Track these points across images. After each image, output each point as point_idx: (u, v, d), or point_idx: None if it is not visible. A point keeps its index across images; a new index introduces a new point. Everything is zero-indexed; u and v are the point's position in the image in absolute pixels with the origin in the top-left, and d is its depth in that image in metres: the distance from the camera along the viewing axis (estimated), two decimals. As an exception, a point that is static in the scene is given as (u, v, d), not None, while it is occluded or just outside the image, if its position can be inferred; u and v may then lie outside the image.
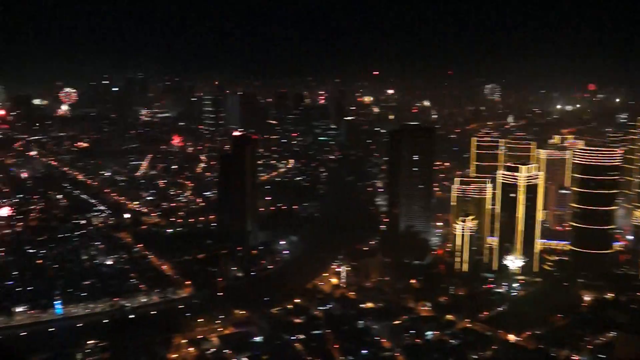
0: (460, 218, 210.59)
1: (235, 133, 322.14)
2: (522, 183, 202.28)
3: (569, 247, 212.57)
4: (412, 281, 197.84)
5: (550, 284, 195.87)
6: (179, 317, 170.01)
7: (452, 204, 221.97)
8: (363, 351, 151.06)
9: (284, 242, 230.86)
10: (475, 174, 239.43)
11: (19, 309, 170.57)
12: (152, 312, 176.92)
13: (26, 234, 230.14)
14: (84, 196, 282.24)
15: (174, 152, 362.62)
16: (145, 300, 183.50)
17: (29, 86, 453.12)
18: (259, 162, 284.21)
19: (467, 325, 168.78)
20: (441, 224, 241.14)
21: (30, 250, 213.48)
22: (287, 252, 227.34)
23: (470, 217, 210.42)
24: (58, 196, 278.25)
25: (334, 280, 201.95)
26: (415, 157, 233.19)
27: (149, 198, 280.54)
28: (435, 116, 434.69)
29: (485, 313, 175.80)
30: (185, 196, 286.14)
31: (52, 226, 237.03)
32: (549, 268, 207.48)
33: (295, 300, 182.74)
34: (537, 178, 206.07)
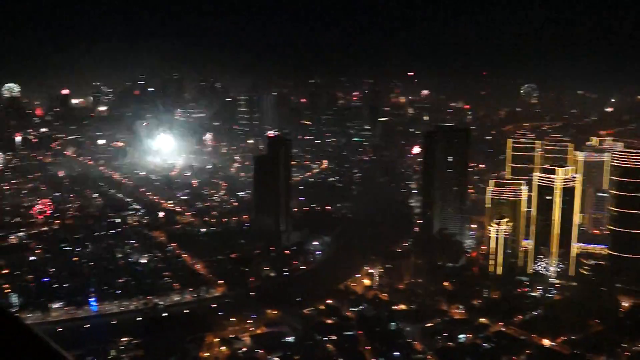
0: (495, 220, 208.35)
1: (270, 133, 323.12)
2: (558, 185, 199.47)
3: (607, 251, 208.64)
4: (445, 283, 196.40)
5: (587, 288, 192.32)
6: (211, 316, 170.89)
7: (486, 206, 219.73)
8: (395, 353, 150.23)
9: (317, 243, 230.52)
10: (511, 176, 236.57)
11: (55, 306, 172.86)
12: (185, 311, 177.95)
13: (63, 232, 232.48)
14: (119, 195, 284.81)
15: (208, 152, 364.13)
16: (178, 298, 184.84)
17: (67, 86, 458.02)
18: (292, 162, 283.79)
19: (501, 329, 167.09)
20: (475, 226, 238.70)
21: (67, 248, 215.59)
22: (320, 252, 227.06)
23: (505, 220, 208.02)
24: (94, 195, 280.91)
25: (367, 282, 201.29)
26: (450, 159, 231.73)
27: (183, 197, 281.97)
28: (470, 117, 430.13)
29: (519, 317, 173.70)
30: (219, 196, 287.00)
31: (87, 224, 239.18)
32: (585, 272, 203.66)
33: (328, 301, 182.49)
34: (574, 180, 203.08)
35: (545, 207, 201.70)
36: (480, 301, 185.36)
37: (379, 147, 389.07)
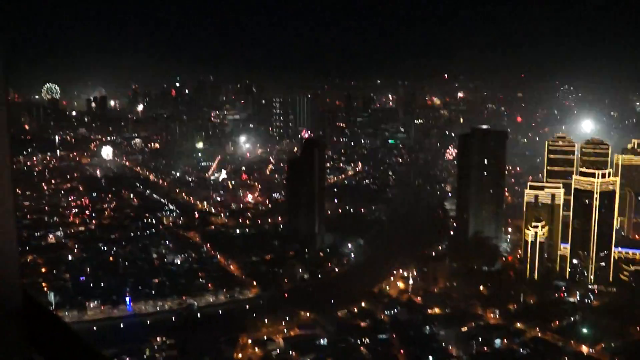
0: (532, 224, 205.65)
1: (304, 135, 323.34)
2: (597, 189, 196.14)
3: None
4: (481, 287, 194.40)
5: (627, 294, 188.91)
6: (245, 317, 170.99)
7: (523, 209, 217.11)
8: (429, 358, 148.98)
9: (351, 245, 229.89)
10: (548, 179, 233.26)
11: (91, 305, 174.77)
12: (218, 312, 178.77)
13: (99, 232, 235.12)
14: (155, 196, 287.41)
15: (243, 154, 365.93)
16: (212, 299, 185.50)
17: (105, 88, 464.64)
18: (327, 164, 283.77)
19: (537, 334, 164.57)
20: (511, 229, 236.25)
21: (103, 248, 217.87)
22: (354, 255, 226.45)
23: (542, 223, 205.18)
24: (130, 195, 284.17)
25: (401, 285, 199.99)
26: (486, 161, 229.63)
27: (218, 198, 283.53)
28: (507, 119, 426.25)
29: (556, 323, 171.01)
30: (254, 197, 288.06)
31: (124, 224, 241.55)
32: (625, 278, 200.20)
33: (361, 304, 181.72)
34: (613, 184, 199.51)
35: (583, 211, 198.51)
36: (516, 306, 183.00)
37: (414, 150, 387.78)
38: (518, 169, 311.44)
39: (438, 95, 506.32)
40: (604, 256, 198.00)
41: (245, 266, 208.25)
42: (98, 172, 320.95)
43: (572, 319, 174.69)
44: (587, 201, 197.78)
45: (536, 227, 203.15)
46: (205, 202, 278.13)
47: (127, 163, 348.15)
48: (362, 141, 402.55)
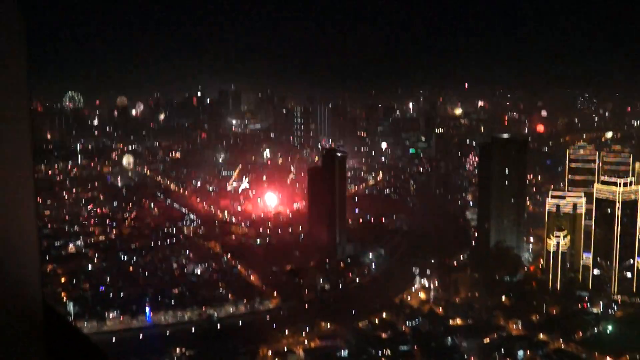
0: (554, 234, 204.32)
1: (325, 145, 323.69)
2: (619, 198, 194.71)
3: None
4: (503, 298, 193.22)
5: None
6: (265, 328, 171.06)
7: (544, 219, 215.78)
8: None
9: (372, 255, 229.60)
10: (569, 188, 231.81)
11: (110, 315, 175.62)
12: (239, 322, 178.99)
13: (119, 241, 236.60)
14: (176, 205, 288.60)
15: (264, 163, 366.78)
16: (232, 310, 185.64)
17: (126, 97, 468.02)
18: (348, 174, 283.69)
19: (561, 345, 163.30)
20: (533, 239, 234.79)
21: (123, 257, 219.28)
22: (375, 265, 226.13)
23: (564, 233, 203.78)
24: (151, 205, 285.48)
25: (422, 295, 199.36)
26: (507, 170, 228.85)
27: (238, 208, 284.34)
28: (527, 128, 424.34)
29: (579, 334, 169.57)
30: (275, 207, 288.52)
31: (144, 234, 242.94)
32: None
33: (382, 314, 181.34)
34: (635, 193, 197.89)
35: (605, 220, 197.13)
36: (538, 317, 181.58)
37: (435, 159, 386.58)
38: (539, 177, 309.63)
39: (459, 105, 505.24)
40: (627, 266, 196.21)
41: (266, 276, 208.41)
42: (119, 181, 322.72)
43: (595, 330, 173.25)
44: (609, 210, 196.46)
45: (558, 236, 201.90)
46: (225, 212, 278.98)
47: (148, 172, 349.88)
48: (383, 150, 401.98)
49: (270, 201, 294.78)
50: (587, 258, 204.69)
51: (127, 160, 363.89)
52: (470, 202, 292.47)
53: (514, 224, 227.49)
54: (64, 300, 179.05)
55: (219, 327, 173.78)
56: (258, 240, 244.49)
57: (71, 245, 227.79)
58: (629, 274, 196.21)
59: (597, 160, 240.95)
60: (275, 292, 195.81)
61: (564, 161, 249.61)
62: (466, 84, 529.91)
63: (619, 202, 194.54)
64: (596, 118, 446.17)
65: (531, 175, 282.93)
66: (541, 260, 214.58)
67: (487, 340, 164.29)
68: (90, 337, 7.71)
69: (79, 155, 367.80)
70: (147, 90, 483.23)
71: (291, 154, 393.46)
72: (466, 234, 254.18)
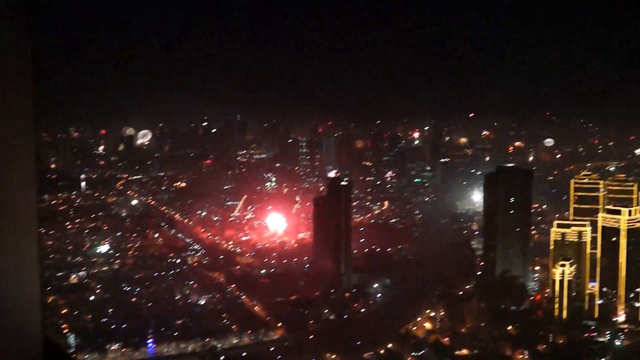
0: (559, 263, 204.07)
1: (331, 175, 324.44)
2: (624, 226, 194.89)
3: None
4: (509, 328, 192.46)
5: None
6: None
7: (550, 247, 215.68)
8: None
9: (377, 285, 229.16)
10: (575, 217, 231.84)
11: (112, 347, 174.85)
12: (242, 354, 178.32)
13: (123, 272, 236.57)
14: (180, 235, 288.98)
15: (270, 193, 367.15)
16: (236, 341, 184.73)
17: (131, 126, 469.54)
18: (353, 203, 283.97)
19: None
20: (539, 268, 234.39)
21: (126, 288, 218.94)
22: (380, 295, 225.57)
23: (569, 262, 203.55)
24: (155, 235, 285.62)
25: (428, 325, 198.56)
26: (512, 200, 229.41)
27: (243, 238, 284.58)
28: (532, 158, 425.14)
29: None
30: (279, 237, 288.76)
31: (147, 264, 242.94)
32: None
33: (388, 345, 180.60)
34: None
35: (610, 249, 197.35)
36: (545, 346, 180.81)
37: (440, 188, 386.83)
38: (544, 206, 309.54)
39: (464, 134, 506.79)
40: (633, 295, 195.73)
41: (271, 307, 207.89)
42: (123, 211, 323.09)
43: (602, 359, 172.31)
44: (614, 239, 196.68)
45: (563, 265, 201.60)
46: (230, 242, 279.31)
47: (153, 202, 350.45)
48: (389, 180, 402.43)
49: (275, 231, 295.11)
50: (592, 287, 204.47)
51: (132, 190, 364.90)
52: (476, 231, 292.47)
53: (520, 253, 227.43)
54: (65, 332, 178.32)
55: (222, 359, 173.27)
56: (263, 270, 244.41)
57: (73, 275, 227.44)
58: (635, 303, 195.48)
59: (601, 189, 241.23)
60: (279, 323, 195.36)
61: (568, 190, 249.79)
62: (471, 114, 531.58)
63: (623, 230, 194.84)
64: (600, 147, 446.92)
65: (536, 204, 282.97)
66: (547, 289, 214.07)
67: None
68: None
69: (83, 185, 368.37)
70: (153, 120, 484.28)
71: (296, 183, 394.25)
72: (472, 263, 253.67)
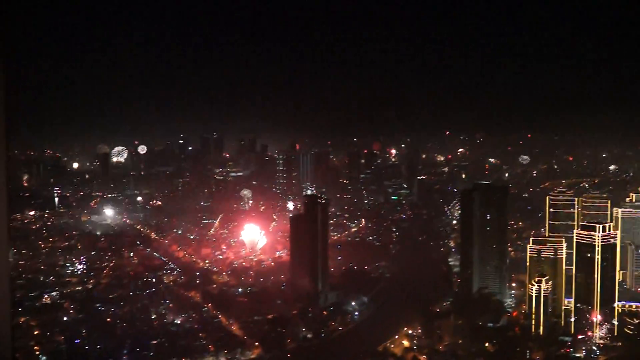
0: (535, 279, 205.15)
1: (308, 192, 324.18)
2: (598, 243, 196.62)
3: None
4: (487, 344, 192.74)
5: (632, 348, 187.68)
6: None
7: (526, 264, 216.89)
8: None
9: (355, 303, 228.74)
10: (550, 234, 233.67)
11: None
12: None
13: (97, 292, 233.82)
14: (156, 254, 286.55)
15: (246, 212, 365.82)
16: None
17: (106, 144, 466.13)
18: (330, 221, 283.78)
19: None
20: (515, 284, 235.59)
21: (101, 308, 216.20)
22: (358, 313, 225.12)
23: (545, 278, 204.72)
24: (130, 254, 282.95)
25: (406, 343, 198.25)
26: (488, 216, 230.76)
27: (220, 257, 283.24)
28: (507, 175, 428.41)
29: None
30: (256, 255, 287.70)
31: (122, 284, 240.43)
32: (629, 331, 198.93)
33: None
34: (614, 237, 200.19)
35: (585, 265, 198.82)
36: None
37: (417, 206, 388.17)
38: (520, 223, 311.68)
39: (440, 152, 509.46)
40: (608, 310, 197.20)
41: (248, 326, 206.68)
42: (97, 229, 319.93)
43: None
44: (589, 255, 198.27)
45: (540, 281, 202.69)
46: (207, 260, 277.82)
47: (128, 221, 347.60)
48: (365, 197, 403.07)
49: (254, 246, 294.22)
50: (568, 303, 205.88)
51: (107, 208, 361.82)
52: (453, 248, 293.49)
53: (496, 269, 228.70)
54: (37, 354, 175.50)
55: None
56: (240, 289, 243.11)
57: (46, 296, 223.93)
58: (610, 318, 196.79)
59: (576, 206, 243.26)
60: (256, 342, 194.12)
61: (544, 207, 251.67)
62: (447, 132, 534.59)
63: (598, 246, 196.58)
64: (575, 164, 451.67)
65: (512, 221, 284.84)
66: (524, 305, 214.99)
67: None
68: None
69: (57, 204, 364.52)
70: (128, 138, 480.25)
71: (273, 201, 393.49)
72: (449, 280, 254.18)
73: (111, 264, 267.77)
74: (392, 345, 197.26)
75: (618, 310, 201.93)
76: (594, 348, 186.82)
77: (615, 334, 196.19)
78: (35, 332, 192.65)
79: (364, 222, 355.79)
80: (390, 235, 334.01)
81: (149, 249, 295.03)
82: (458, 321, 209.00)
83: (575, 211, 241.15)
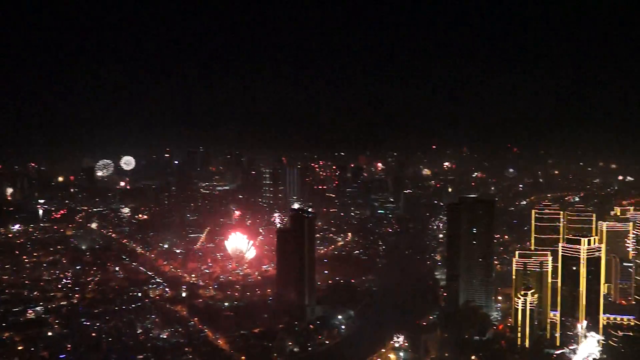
0: (521, 292, 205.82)
1: (294, 207, 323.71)
2: (583, 256, 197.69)
3: (635, 321, 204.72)
4: (473, 357, 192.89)
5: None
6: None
7: (512, 277, 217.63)
8: None
9: (342, 317, 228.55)
10: (536, 247, 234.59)
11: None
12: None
13: (82, 306, 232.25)
14: (142, 268, 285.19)
15: (233, 226, 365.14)
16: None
17: (92, 158, 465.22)
18: (316, 235, 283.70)
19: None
20: (501, 297, 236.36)
21: (86, 323, 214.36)
22: (345, 326, 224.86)
23: (531, 291, 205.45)
24: (116, 268, 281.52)
25: (392, 356, 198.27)
26: (475, 230, 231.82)
27: (206, 271, 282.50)
28: (494, 188, 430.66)
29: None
30: (243, 269, 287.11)
31: (108, 298, 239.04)
32: (614, 344, 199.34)
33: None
34: (599, 250, 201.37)
35: (570, 278, 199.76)
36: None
37: (404, 219, 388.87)
38: (506, 237, 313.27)
39: (427, 165, 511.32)
40: (593, 323, 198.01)
41: (234, 340, 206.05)
42: (83, 244, 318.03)
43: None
44: (574, 268, 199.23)
45: (525, 294, 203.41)
46: (193, 275, 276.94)
47: (114, 235, 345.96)
48: (352, 212, 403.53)
49: (243, 256, 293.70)
50: (554, 315, 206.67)
51: (92, 222, 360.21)
52: (439, 262, 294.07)
53: (483, 283, 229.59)
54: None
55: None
56: (226, 303, 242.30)
57: (30, 311, 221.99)
58: (595, 331, 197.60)
59: (561, 219, 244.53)
60: (243, 356, 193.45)
61: (529, 220, 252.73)
62: (434, 146, 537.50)
63: (583, 259, 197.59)
64: (560, 178, 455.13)
65: (498, 235, 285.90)
66: (510, 318, 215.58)
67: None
68: None
69: (42, 218, 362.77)
70: (113, 152, 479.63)
71: (260, 215, 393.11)
72: (435, 293, 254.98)
73: (97, 279, 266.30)
74: (379, 359, 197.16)
75: (603, 322, 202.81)
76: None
77: (600, 346, 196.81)
78: (19, 348, 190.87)
79: (350, 235, 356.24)
80: (376, 249, 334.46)
81: (134, 263, 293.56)
82: (444, 334, 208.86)
83: (561, 224, 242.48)
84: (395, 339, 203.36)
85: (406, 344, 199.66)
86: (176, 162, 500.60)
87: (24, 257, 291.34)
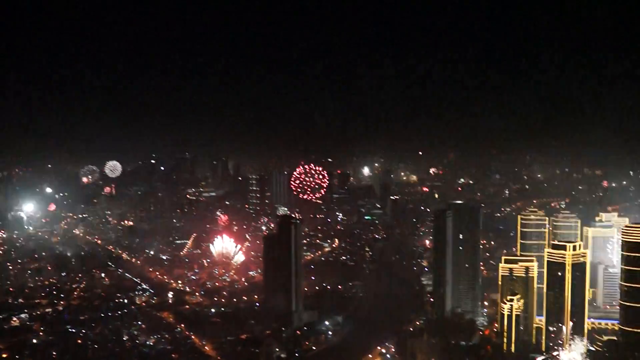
0: (507, 298, 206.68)
1: (281, 212, 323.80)
2: (569, 261, 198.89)
3: (619, 326, 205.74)
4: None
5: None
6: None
7: (498, 283, 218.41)
8: None
9: (329, 323, 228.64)
10: (522, 253, 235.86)
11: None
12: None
13: (67, 313, 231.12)
14: (128, 275, 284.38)
15: (219, 232, 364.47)
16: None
17: (78, 164, 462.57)
18: (303, 241, 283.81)
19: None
20: (488, 303, 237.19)
21: (71, 330, 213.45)
22: (332, 332, 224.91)
23: (517, 297, 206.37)
24: (101, 275, 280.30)
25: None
26: (461, 236, 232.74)
27: (192, 277, 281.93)
28: (480, 194, 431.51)
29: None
30: (230, 275, 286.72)
31: (94, 305, 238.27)
32: (598, 348, 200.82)
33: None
34: (584, 256, 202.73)
35: (556, 283, 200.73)
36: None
37: (391, 226, 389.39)
38: (492, 243, 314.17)
39: (413, 172, 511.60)
40: (578, 327, 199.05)
41: (221, 346, 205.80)
42: (68, 250, 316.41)
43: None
44: (559, 273, 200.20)
45: (511, 300, 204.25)
46: (179, 281, 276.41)
47: (99, 241, 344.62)
48: (339, 217, 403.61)
49: (226, 269, 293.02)
50: (540, 320, 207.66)
51: (78, 229, 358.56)
52: (426, 268, 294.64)
53: (469, 288, 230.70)
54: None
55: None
56: (213, 309, 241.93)
57: (15, 318, 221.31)
58: (579, 335, 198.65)
59: (547, 225, 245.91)
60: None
61: (515, 226, 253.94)
62: (420, 152, 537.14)
63: (568, 265, 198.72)
64: (546, 184, 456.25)
65: (484, 241, 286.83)
66: (496, 324, 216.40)
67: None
68: None
69: (26, 224, 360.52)
70: (99, 157, 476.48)
71: (247, 221, 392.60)
72: (422, 299, 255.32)
73: (82, 285, 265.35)
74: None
75: (588, 327, 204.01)
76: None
77: (586, 351, 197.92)
78: (4, 355, 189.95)
79: (337, 241, 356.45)
80: (363, 255, 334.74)
81: (120, 270, 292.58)
82: (431, 340, 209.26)
83: (546, 230, 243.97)
84: (382, 344, 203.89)
85: (393, 350, 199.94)
86: (162, 168, 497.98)
87: (8, 264, 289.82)
